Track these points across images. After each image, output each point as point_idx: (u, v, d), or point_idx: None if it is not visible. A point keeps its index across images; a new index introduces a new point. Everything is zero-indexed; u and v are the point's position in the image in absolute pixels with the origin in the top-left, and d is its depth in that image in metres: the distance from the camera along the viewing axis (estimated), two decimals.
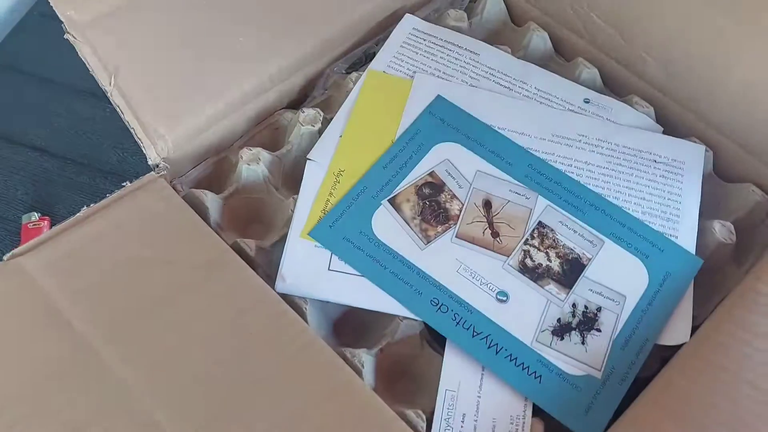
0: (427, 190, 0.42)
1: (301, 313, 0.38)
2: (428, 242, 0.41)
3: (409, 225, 0.41)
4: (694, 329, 0.38)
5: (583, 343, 0.38)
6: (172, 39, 0.40)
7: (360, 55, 0.48)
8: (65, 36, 0.37)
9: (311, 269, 0.39)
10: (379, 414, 0.34)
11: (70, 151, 0.67)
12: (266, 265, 0.40)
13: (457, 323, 0.38)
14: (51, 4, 0.36)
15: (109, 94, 0.39)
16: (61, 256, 0.36)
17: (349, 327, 0.41)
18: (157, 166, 0.41)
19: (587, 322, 0.39)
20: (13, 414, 0.31)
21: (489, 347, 0.38)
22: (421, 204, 0.42)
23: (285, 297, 0.38)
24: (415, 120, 0.44)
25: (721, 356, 0.35)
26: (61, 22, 0.37)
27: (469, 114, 0.45)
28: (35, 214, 0.62)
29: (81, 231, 0.37)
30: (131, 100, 0.39)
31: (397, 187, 0.42)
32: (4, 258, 0.37)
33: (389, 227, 0.41)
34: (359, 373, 0.36)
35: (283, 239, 0.41)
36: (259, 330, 0.35)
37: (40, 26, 0.75)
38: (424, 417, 0.35)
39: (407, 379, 0.39)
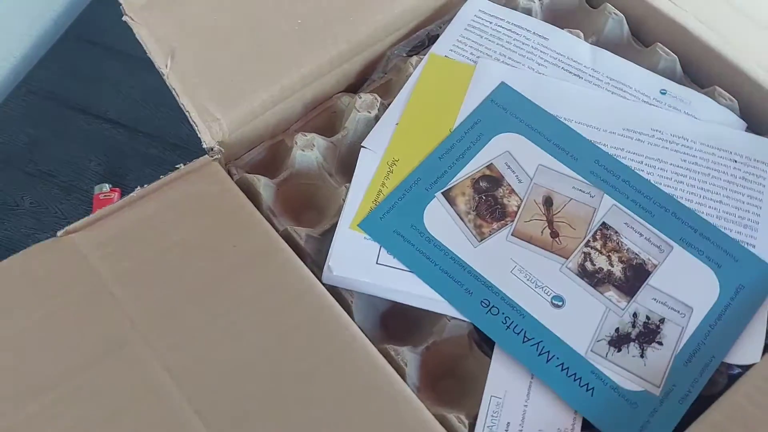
0: (484, 184, 0.41)
1: (347, 306, 0.37)
2: (482, 239, 0.39)
3: (462, 220, 0.39)
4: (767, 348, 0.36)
5: (642, 356, 0.36)
6: (230, 21, 0.39)
7: (423, 37, 0.46)
8: (123, 18, 0.37)
9: (359, 262, 0.38)
10: (418, 417, 0.33)
11: (142, 123, 0.68)
12: (315, 254, 0.39)
13: (508, 327, 0.36)
14: None
15: (165, 77, 0.39)
16: (113, 236, 0.37)
17: (397, 321, 0.40)
18: (212, 149, 0.41)
19: (648, 333, 0.36)
20: (54, 393, 0.32)
21: (539, 354, 0.36)
22: (477, 198, 0.40)
23: (331, 288, 0.37)
24: (476, 108, 0.42)
25: None
26: (120, 4, 0.37)
27: (534, 103, 0.42)
28: (107, 185, 0.64)
29: (133, 212, 0.38)
30: (187, 82, 0.39)
31: (453, 180, 0.40)
32: (58, 234, 0.38)
33: (441, 222, 0.39)
34: (402, 372, 0.35)
35: (333, 228, 0.40)
36: (301, 323, 0.35)
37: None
38: (465, 423, 0.34)
39: (452, 379, 0.38)
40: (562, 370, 0.35)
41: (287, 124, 0.44)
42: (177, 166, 0.40)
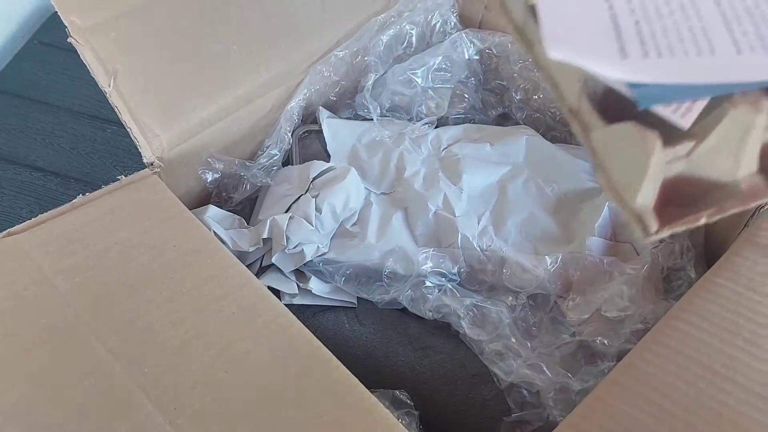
0: None
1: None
2: None
3: None
4: None
5: None
6: (171, 44, 0.43)
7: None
8: (68, 40, 0.40)
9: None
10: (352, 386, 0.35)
11: (73, 170, 0.70)
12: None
13: None
14: (56, 9, 0.39)
15: (108, 95, 0.42)
16: (56, 236, 0.39)
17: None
18: (152, 164, 0.43)
19: None
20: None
21: None
22: None
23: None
24: None
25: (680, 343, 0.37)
26: (65, 27, 0.40)
27: None
28: None
29: (75, 215, 0.40)
30: (129, 101, 0.42)
31: None
32: (1, 234, 0.39)
33: None
34: None
35: None
36: (239, 311, 0.37)
37: (40, 54, 0.79)
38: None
39: None
40: None
41: (224, 143, 0.48)
42: (117, 177, 0.43)
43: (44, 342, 0.34)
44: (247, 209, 0.50)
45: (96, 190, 0.68)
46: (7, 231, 0.38)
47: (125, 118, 0.42)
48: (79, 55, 0.40)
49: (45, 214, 0.40)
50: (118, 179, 0.42)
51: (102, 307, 0.36)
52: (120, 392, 0.33)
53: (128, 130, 0.42)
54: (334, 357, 0.36)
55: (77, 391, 0.32)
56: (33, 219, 0.39)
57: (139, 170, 0.62)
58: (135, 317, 0.36)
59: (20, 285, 0.36)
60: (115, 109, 0.42)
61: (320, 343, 0.37)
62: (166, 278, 0.37)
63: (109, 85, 0.42)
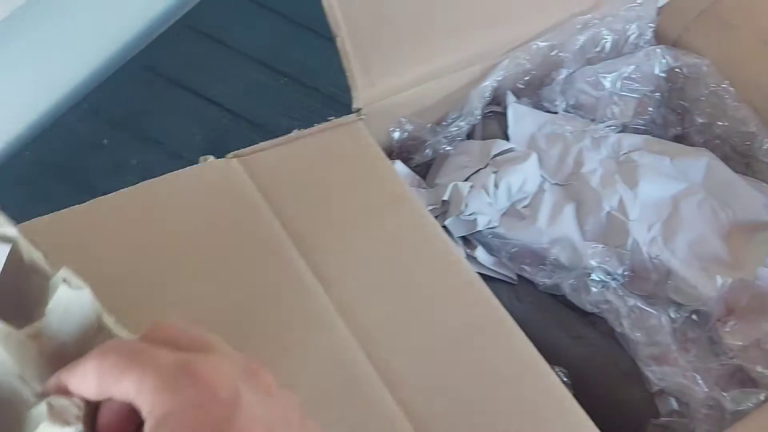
0: None
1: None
2: None
3: None
4: None
5: None
6: (404, 5, 0.46)
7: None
8: None
9: None
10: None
11: (244, 110, 0.74)
12: None
13: None
14: None
15: (338, 39, 0.45)
16: (270, 163, 0.42)
17: None
18: (359, 110, 0.46)
19: None
20: (192, 290, 0.36)
21: None
22: None
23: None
24: None
25: None
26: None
27: None
28: (211, 157, 0.69)
29: (287, 147, 0.43)
30: (355, 44, 0.45)
31: None
32: (227, 156, 0.43)
33: None
34: None
35: None
36: (424, 257, 0.39)
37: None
38: None
39: None
40: None
41: (413, 108, 0.50)
42: (329, 117, 0.46)
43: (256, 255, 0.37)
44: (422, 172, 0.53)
45: (263, 132, 0.73)
46: (234, 153, 0.42)
47: (350, 61, 0.45)
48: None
49: (265, 143, 0.43)
50: (329, 119, 0.45)
51: (306, 232, 0.38)
52: (319, 314, 0.36)
53: (348, 73, 0.45)
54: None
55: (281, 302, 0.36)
56: (256, 145, 0.43)
57: (304, 123, 0.66)
58: (337, 245, 0.38)
59: (236, 205, 0.39)
60: (343, 53, 0.45)
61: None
62: (366, 222, 0.40)
63: (340, 27, 0.44)
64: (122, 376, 0.22)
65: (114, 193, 0.39)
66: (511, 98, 0.53)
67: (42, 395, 0.24)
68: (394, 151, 0.52)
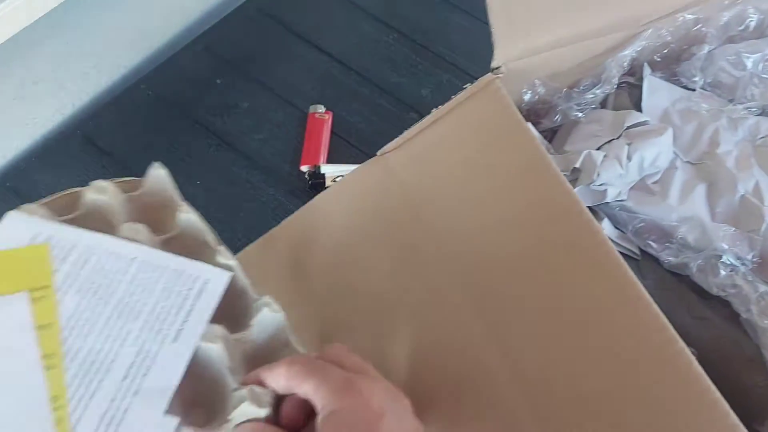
0: None
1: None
2: None
3: None
4: None
5: None
6: None
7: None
8: None
9: None
10: None
11: (353, 62, 0.74)
12: None
13: None
14: None
15: None
16: (413, 155, 0.43)
17: None
18: (498, 68, 0.45)
19: None
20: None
21: None
22: None
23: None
24: None
25: None
26: None
27: None
28: (321, 106, 0.70)
29: (427, 134, 0.44)
30: (505, 5, 0.44)
31: None
32: (378, 153, 0.45)
33: None
34: None
35: None
36: (564, 230, 0.39)
37: None
38: None
39: None
40: None
41: (547, 71, 0.49)
42: (464, 86, 0.45)
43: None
44: (547, 137, 0.52)
45: (370, 85, 0.73)
46: (383, 149, 0.44)
47: (495, 17, 0.44)
48: None
49: (406, 133, 0.44)
50: (464, 87, 0.44)
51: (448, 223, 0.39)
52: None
53: (493, 28, 0.45)
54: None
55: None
56: (401, 136, 0.44)
57: (410, 80, 0.66)
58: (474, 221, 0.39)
59: (387, 202, 0.40)
60: (489, 7, 0.45)
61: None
62: (494, 199, 0.40)
63: None
64: (305, 380, 0.32)
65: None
66: (647, 70, 0.52)
67: (243, 383, 0.33)
68: (522, 114, 0.51)
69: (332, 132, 0.68)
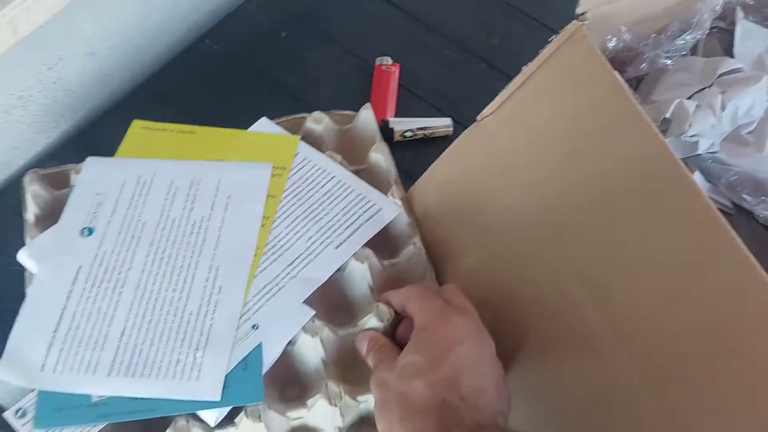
0: None
1: None
2: None
3: None
4: None
5: None
6: None
7: None
8: None
9: None
10: None
11: (423, 14, 0.72)
12: None
13: None
14: None
15: None
16: (507, 119, 0.43)
17: None
18: (583, 14, 0.43)
19: None
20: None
21: None
22: None
23: None
24: None
25: None
26: None
27: None
28: (388, 58, 0.68)
29: (519, 95, 0.43)
30: None
31: None
32: (477, 118, 0.45)
33: None
34: None
35: None
36: (658, 195, 0.37)
37: None
38: None
39: None
40: None
41: (633, 17, 0.46)
42: (549, 39, 0.43)
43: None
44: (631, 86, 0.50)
45: (437, 36, 0.71)
46: (482, 114, 0.44)
47: None
48: None
49: (501, 95, 0.43)
50: (549, 41, 0.42)
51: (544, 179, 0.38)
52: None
53: None
54: None
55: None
56: (493, 103, 0.44)
57: (478, 32, 0.63)
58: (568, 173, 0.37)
59: (486, 167, 0.41)
60: None
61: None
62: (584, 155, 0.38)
63: None
64: (414, 302, 0.42)
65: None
66: (740, 13, 0.49)
67: (376, 301, 0.45)
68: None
69: (399, 84, 0.67)
